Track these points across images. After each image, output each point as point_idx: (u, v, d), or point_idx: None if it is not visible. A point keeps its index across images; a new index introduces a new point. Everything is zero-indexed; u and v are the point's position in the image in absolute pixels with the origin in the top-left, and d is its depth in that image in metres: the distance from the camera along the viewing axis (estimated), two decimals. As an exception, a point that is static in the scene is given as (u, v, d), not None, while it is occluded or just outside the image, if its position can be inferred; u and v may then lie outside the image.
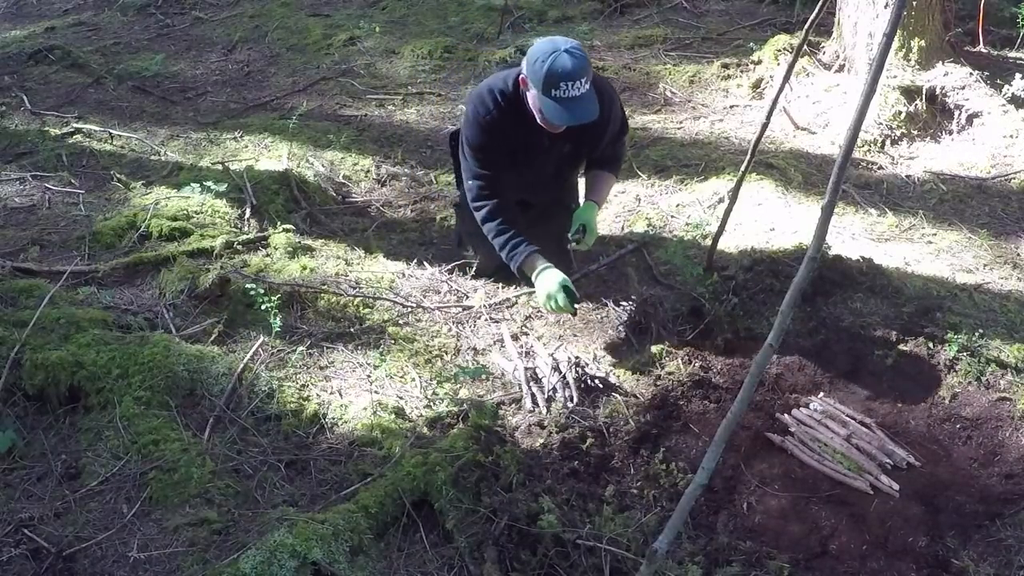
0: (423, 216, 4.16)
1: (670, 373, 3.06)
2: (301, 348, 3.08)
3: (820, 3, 2.89)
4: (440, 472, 2.48)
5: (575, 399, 2.93)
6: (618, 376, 3.08)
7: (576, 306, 3.19)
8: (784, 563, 2.35)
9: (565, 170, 3.50)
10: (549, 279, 3.17)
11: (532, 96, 3.04)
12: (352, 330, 3.23)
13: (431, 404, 2.90)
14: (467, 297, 3.50)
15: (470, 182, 3.30)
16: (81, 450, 2.66)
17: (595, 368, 3.06)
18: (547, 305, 3.19)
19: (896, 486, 2.63)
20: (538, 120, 3.09)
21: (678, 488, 2.59)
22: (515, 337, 3.28)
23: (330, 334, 3.20)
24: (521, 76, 3.07)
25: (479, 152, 3.23)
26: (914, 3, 4.69)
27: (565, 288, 3.15)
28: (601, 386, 3.00)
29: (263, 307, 3.09)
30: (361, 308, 3.34)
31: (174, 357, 2.86)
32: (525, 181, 3.40)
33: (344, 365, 3.06)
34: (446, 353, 3.18)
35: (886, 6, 4.65)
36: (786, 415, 2.92)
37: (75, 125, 4.80)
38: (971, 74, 4.72)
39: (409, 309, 3.37)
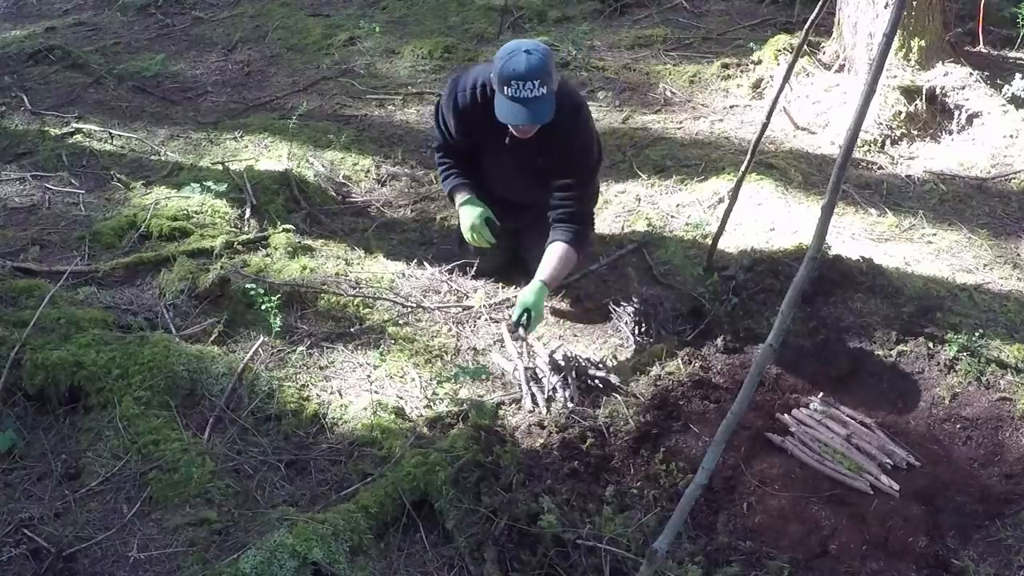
0: (423, 216, 4.15)
1: (670, 373, 3.05)
2: (301, 348, 3.08)
3: (820, 3, 2.89)
4: (440, 472, 2.48)
5: (575, 399, 2.94)
6: (618, 376, 3.08)
7: (495, 240, 3.41)
8: (784, 563, 2.35)
9: (538, 183, 3.39)
10: (470, 212, 3.40)
11: (496, 94, 3.09)
12: (352, 330, 3.23)
13: (431, 404, 2.90)
14: (467, 297, 3.50)
15: (437, 134, 3.52)
16: (81, 450, 2.66)
17: (595, 368, 3.06)
18: (468, 236, 3.40)
19: (896, 486, 2.63)
20: (498, 117, 3.12)
21: (678, 488, 2.59)
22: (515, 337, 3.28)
23: (330, 334, 3.20)
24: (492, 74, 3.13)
25: (448, 124, 3.40)
26: (914, 3, 4.69)
27: (487, 220, 3.39)
28: (601, 386, 3.00)
29: (263, 307, 3.09)
30: (361, 308, 3.34)
31: (174, 357, 2.86)
32: (494, 176, 3.49)
33: (344, 365, 3.06)
34: (446, 353, 3.18)
35: (886, 6, 4.65)
36: (786, 415, 2.92)
37: (75, 125, 4.79)
38: (971, 74, 4.72)
39: (409, 309, 3.37)
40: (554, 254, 3.25)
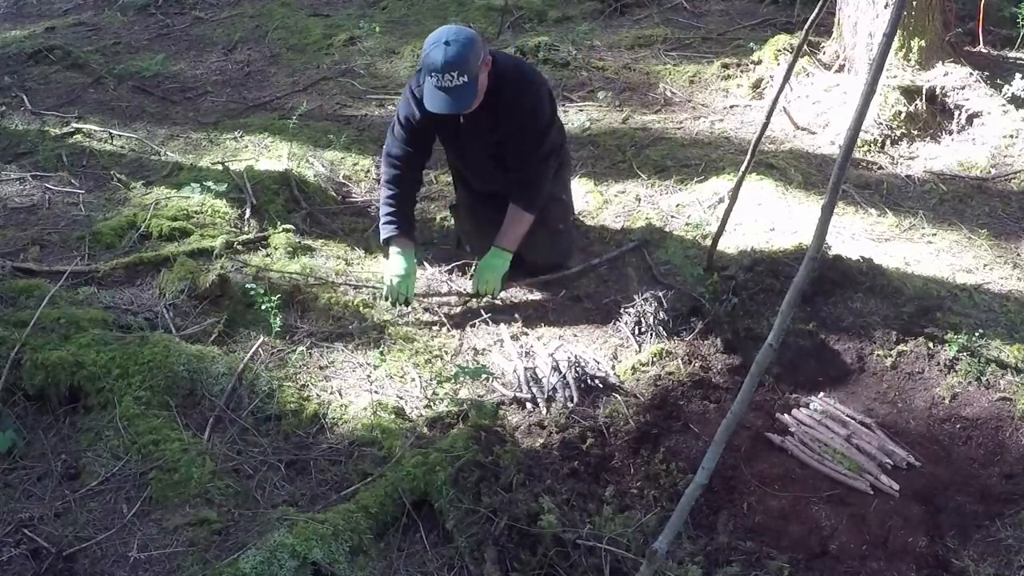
0: (423, 216, 4.14)
1: (670, 373, 3.06)
2: (301, 348, 3.08)
3: (820, 3, 2.89)
4: (440, 472, 2.48)
5: (575, 399, 2.93)
6: (618, 376, 3.09)
7: (407, 305, 3.34)
8: (784, 563, 2.35)
9: (503, 159, 3.46)
10: (397, 265, 3.35)
11: None
12: (352, 330, 3.23)
13: (431, 404, 2.90)
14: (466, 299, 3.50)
15: (387, 148, 3.47)
16: (81, 450, 2.66)
17: (595, 368, 3.06)
18: (388, 287, 3.35)
19: (896, 486, 2.63)
20: None
21: (678, 488, 2.59)
22: (515, 337, 3.28)
23: (330, 334, 3.20)
24: None
25: (403, 122, 3.39)
26: (914, 3, 4.68)
27: (405, 279, 3.33)
28: (601, 386, 3.00)
29: (263, 307, 3.09)
30: (361, 308, 3.34)
31: (174, 357, 2.86)
32: (464, 164, 3.57)
33: (344, 365, 3.06)
34: (446, 353, 3.18)
35: (886, 6, 4.65)
36: (786, 415, 2.92)
37: (75, 125, 4.79)
38: (971, 74, 4.72)
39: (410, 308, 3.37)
40: (507, 217, 3.44)
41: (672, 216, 4.01)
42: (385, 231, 3.41)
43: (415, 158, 3.45)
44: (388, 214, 3.41)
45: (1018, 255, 3.74)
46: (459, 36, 3.06)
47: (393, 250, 3.38)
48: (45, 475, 2.61)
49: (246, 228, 3.79)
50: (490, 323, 3.37)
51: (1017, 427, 2.82)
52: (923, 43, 4.77)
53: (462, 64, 3.01)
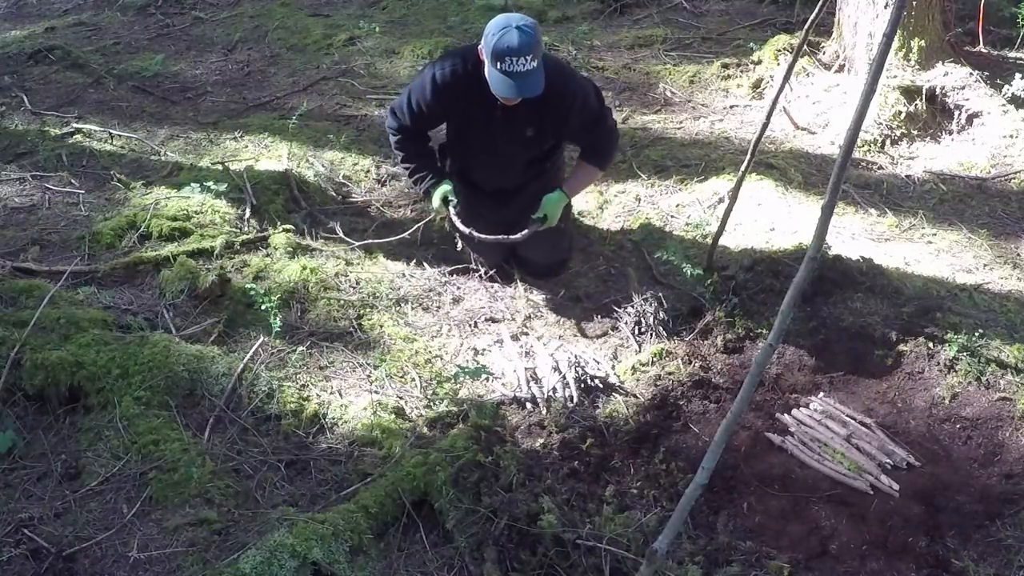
0: (423, 216, 4.14)
1: (670, 373, 3.06)
2: (301, 348, 3.08)
3: (820, 3, 2.89)
4: (440, 472, 2.48)
5: (575, 399, 2.93)
6: (618, 376, 3.09)
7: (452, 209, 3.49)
8: (784, 563, 2.36)
9: (528, 155, 3.52)
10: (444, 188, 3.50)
11: (486, 68, 3.13)
12: (352, 330, 3.23)
13: (431, 404, 2.90)
14: (463, 299, 3.50)
15: (389, 124, 3.53)
16: (81, 450, 2.66)
17: (595, 368, 3.06)
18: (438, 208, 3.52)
19: (896, 486, 2.63)
20: (492, 91, 3.17)
21: (678, 488, 2.59)
22: (515, 337, 3.28)
23: (330, 334, 3.19)
24: (479, 48, 3.16)
25: (418, 107, 3.35)
26: (914, 3, 4.68)
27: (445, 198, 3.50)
28: (601, 386, 3.00)
29: (263, 307, 3.08)
30: (361, 308, 3.34)
31: (174, 357, 2.86)
32: (483, 159, 3.52)
33: (344, 365, 3.06)
34: (446, 353, 3.18)
35: (886, 6, 4.66)
36: (786, 415, 2.92)
37: (75, 125, 4.79)
38: (971, 74, 4.72)
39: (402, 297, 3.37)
40: (578, 169, 3.58)
41: (672, 216, 4.01)
42: (423, 184, 3.53)
43: (419, 133, 3.51)
44: (415, 169, 3.53)
45: (1018, 255, 3.74)
46: (529, 23, 3.09)
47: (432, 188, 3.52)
48: (45, 475, 2.61)
49: (246, 228, 3.78)
50: (490, 323, 3.36)
51: (1017, 427, 2.82)
52: (923, 43, 4.77)
53: (536, 49, 3.04)
